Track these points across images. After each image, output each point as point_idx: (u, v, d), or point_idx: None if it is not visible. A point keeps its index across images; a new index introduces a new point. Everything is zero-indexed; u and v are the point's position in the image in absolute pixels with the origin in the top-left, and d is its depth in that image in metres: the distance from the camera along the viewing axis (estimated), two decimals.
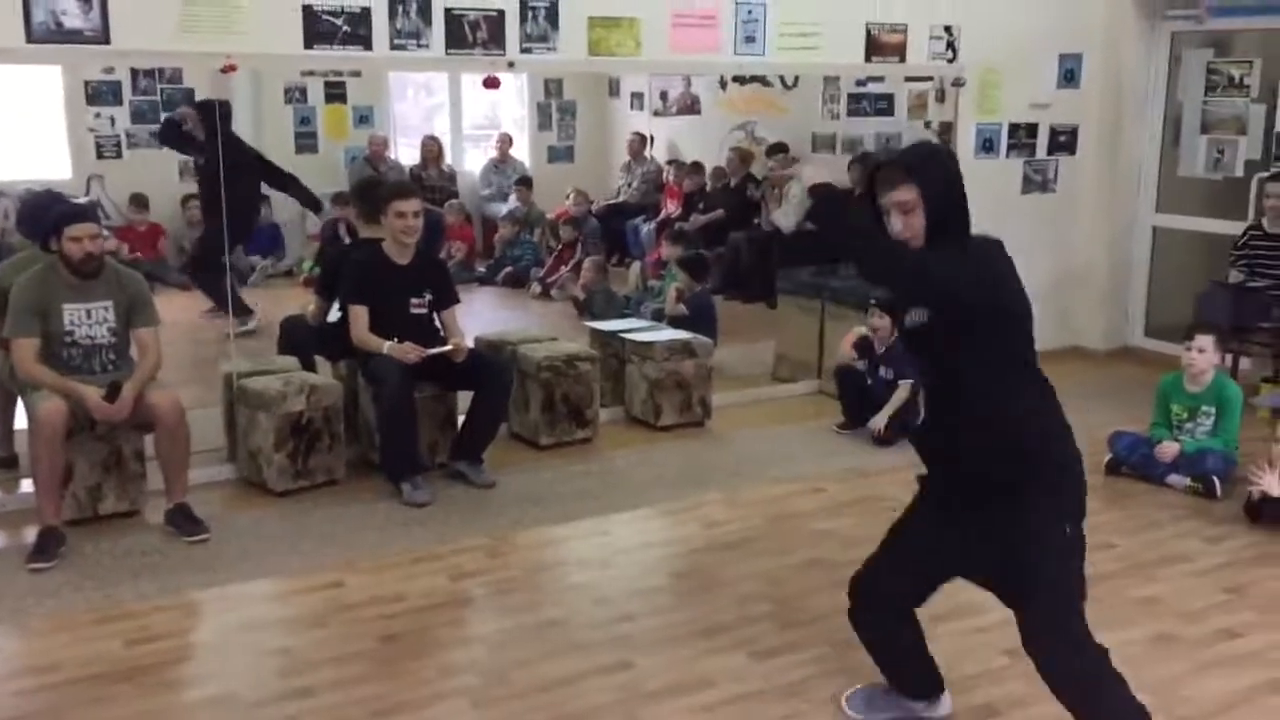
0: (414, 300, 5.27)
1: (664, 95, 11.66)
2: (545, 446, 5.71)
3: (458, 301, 5.46)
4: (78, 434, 4.56)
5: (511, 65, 5.64)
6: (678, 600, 4.13)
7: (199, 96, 8.92)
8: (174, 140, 8.05)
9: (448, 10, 5.41)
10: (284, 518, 4.82)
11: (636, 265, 9.20)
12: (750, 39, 6.23)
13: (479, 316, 8.09)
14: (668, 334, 6.31)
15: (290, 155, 10.02)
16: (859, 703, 3.35)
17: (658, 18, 5.94)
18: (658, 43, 5.98)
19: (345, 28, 5.22)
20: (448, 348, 5.18)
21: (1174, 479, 5.19)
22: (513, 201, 11.00)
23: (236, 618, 3.96)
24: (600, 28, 5.81)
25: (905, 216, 2.81)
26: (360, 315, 5.17)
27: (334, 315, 5.48)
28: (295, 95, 10.88)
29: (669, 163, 11.19)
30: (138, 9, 4.82)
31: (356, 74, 10.80)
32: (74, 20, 4.73)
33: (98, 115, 10.23)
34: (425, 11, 5.36)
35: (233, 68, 5.06)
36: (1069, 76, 7.48)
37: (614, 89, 12.37)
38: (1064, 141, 7.57)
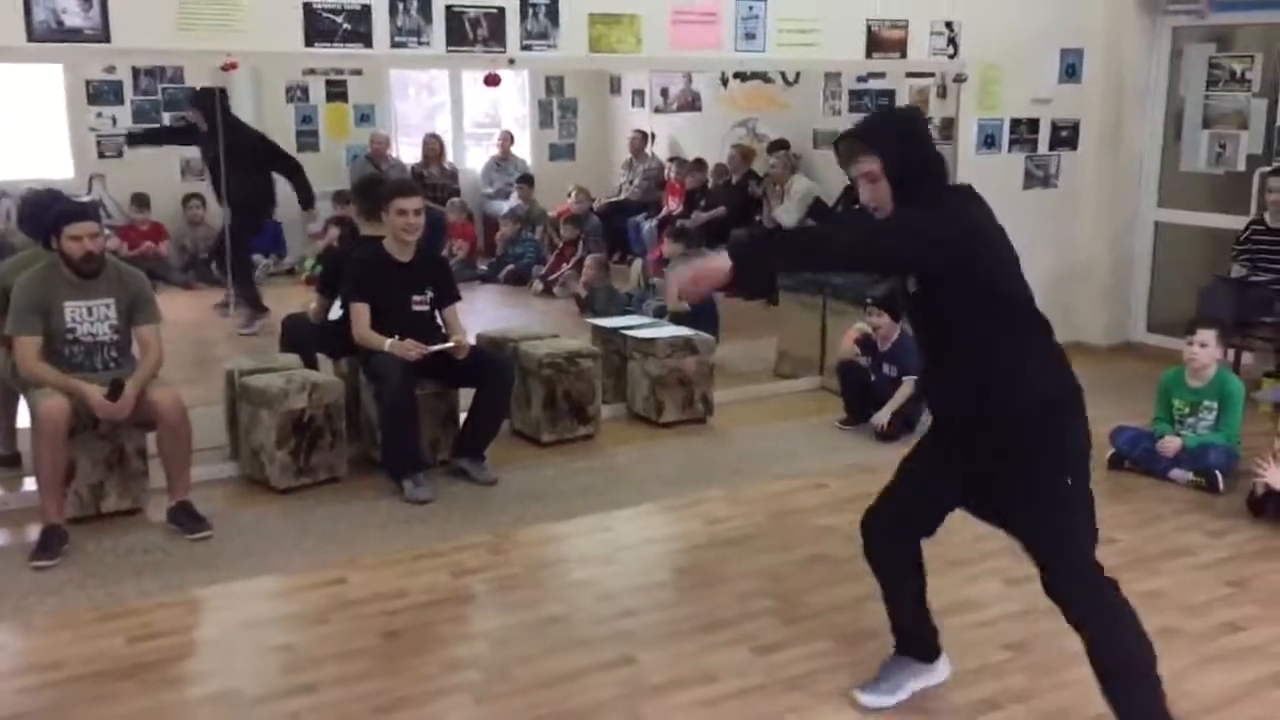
0: (415, 297, 5.28)
1: (665, 92, 11.65)
2: (547, 443, 5.71)
3: (459, 299, 5.46)
4: (80, 432, 4.56)
5: (512, 62, 5.64)
6: (680, 596, 4.13)
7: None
8: (163, 140, 8.10)
9: (448, 7, 5.42)
10: (286, 515, 4.83)
11: (638, 263, 9.19)
12: (751, 35, 6.23)
13: (481, 314, 8.10)
14: (669, 331, 6.31)
15: (292, 154, 10.02)
16: (868, 689, 3.38)
17: (658, 14, 5.94)
18: (658, 39, 5.98)
19: (346, 25, 5.22)
20: (449, 345, 5.18)
21: (1176, 473, 5.18)
22: (514, 199, 11.00)
23: (239, 615, 3.97)
24: (601, 24, 5.81)
25: (871, 186, 2.93)
26: (362, 313, 5.17)
27: (335, 313, 5.48)
28: (297, 94, 10.88)
29: (670, 160, 11.18)
30: (138, 7, 4.82)
31: (358, 72, 10.79)
32: (74, 19, 4.73)
33: (99, 115, 10.23)
34: (426, 9, 5.37)
35: (233, 66, 5.06)
36: (1070, 72, 7.47)
37: (615, 86, 12.36)
38: (1065, 137, 7.56)
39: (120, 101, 10.27)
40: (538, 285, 9.93)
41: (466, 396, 5.40)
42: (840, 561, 4.35)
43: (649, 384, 6.05)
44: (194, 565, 4.32)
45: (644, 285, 8.43)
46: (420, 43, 5.39)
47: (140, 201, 10.06)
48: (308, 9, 5.13)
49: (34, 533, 4.44)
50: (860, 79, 8.70)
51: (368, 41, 5.29)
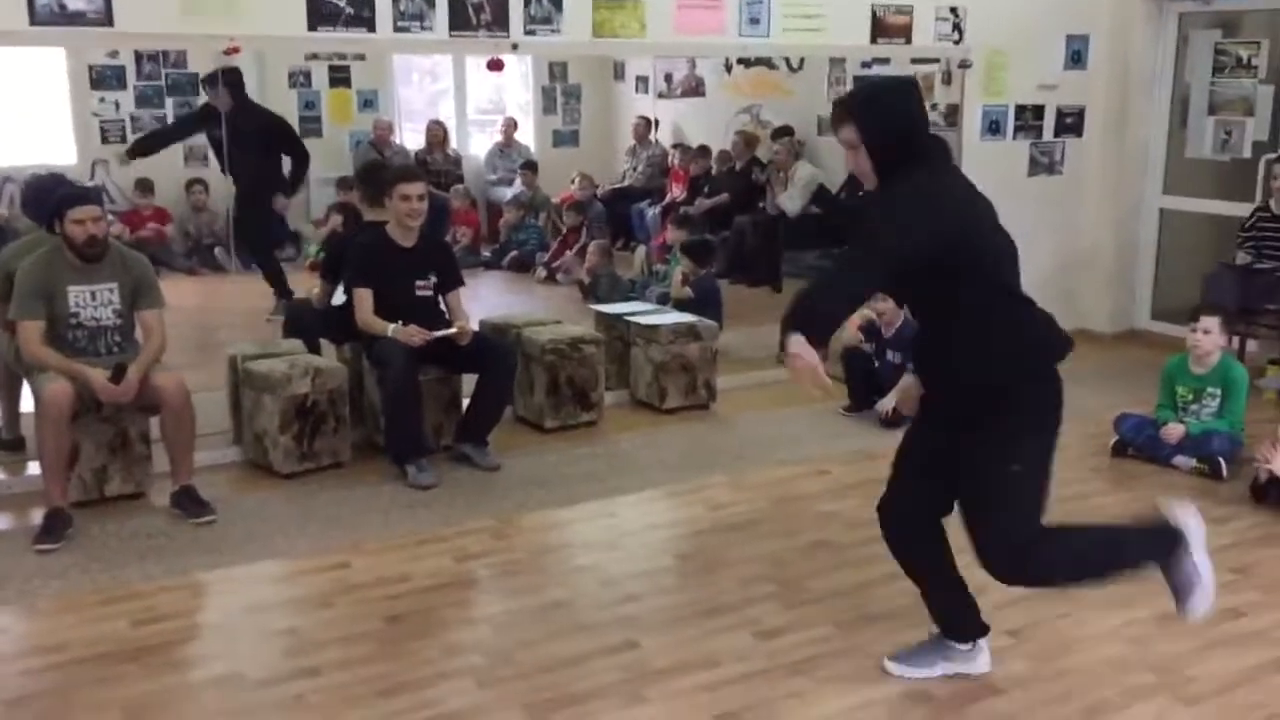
0: (419, 283, 5.27)
1: (668, 78, 11.62)
2: (550, 429, 5.71)
3: (462, 284, 5.46)
4: (83, 416, 4.57)
5: (515, 47, 5.63)
6: (682, 581, 4.14)
7: (203, 80, 8.94)
8: (174, 137, 8.08)
9: None
10: (290, 500, 4.83)
11: (641, 249, 9.19)
12: (755, 20, 6.21)
13: (484, 300, 8.09)
14: (673, 317, 6.31)
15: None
16: (902, 658, 3.42)
17: None
18: (662, 24, 5.96)
19: (348, 9, 5.21)
20: (452, 330, 5.18)
21: (1180, 460, 5.18)
22: (518, 186, 10.98)
23: (242, 599, 3.98)
24: (604, 9, 5.79)
25: (852, 153, 2.99)
26: (365, 298, 5.17)
27: (339, 298, 5.48)
28: (300, 79, 10.85)
29: (674, 146, 11.15)
30: None
31: (361, 57, 10.77)
32: (77, 2, 4.72)
33: (102, 100, 10.22)
34: None
35: (236, 50, 5.06)
36: (1076, 58, 7.44)
37: (619, 72, 12.33)
38: (1071, 123, 7.54)
39: (123, 87, 10.26)
40: (541, 272, 9.92)
41: (469, 382, 5.40)
42: (842, 547, 4.36)
43: (652, 370, 6.05)
44: (197, 549, 4.33)
45: (647, 272, 8.42)
46: (423, 27, 5.38)
47: (143, 187, 10.05)
48: None
49: (38, 516, 4.46)
50: (865, 65, 8.66)
51: (370, 26, 5.27)
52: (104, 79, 10.15)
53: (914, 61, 7.68)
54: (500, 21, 5.53)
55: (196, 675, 3.48)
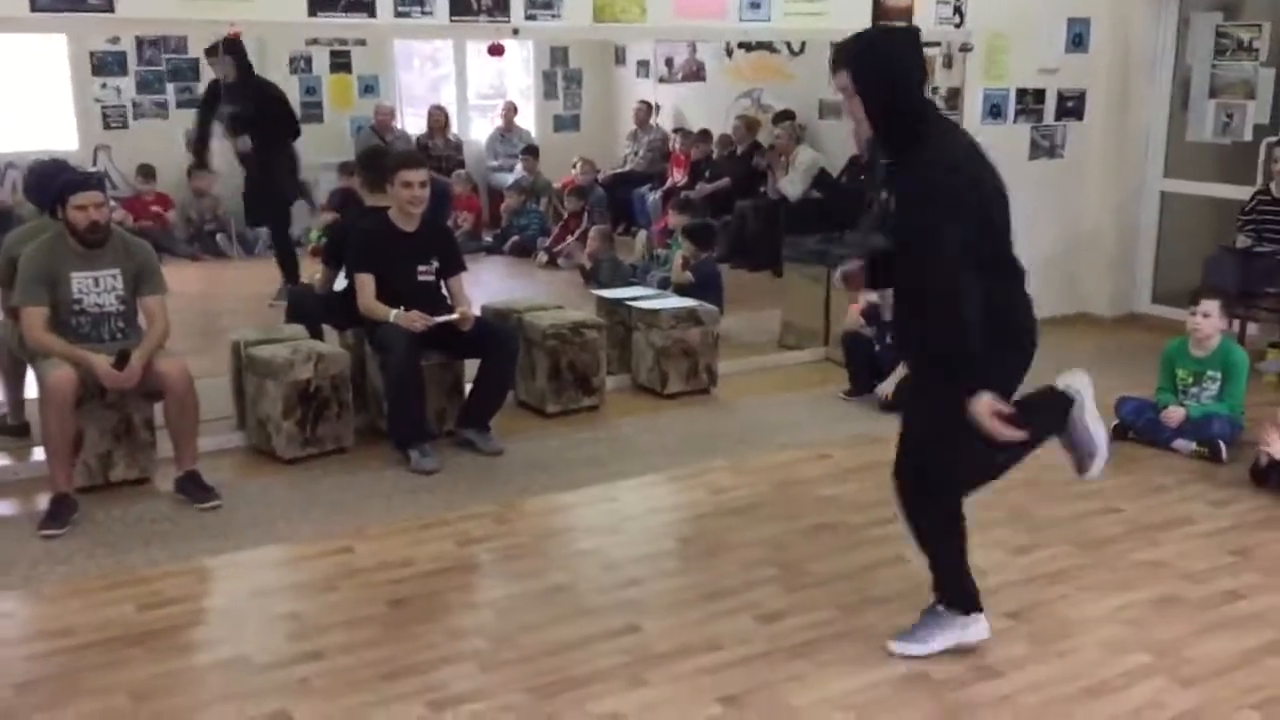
0: (421, 268, 5.28)
1: (669, 62, 11.61)
2: (552, 414, 5.72)
3: (464, 269, 5.47)
4: (87, 402, 4.58)
5: (516, 32, 5.62)
6: (684, 565, 4.16)
7: (204, 67, 8.94)
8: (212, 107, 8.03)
9: None
10: (293, 485, 4.85)
11: (643, 234, 9.20)
12: (756, 4, 6.20)
13: (486, 286, 8.11)
14: (674, 302, 6.31)
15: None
16: (903, 639, 3.44)
17: None
18: (663, 8, 5.95)
19: None
20: (454, 316, 5.19)
21: (1180, 443, 5.19)
22: (519, 171, 10.98)
23: (247, 583, 4.00)
24: None
25: (848, 101, 3.04)
26: (367, 283, 5.18)
27: (341, 284, 5.49)
28: (300, 65, 10.86)
29: (675, 131, 11.15)
30: None
31: (362, 43, 10.77)
32: None
33: (104, 86, 10.23)
34: None
35: (237, 35, 5.05)
36: (1077, 41, 7.43)
37: (620, 57, 12.31)
38: (1072, 107, 7.53)
39: (124, 73, 10.26)
40: (542, 257, 9.92)
41: (472, 367, 5.41)
42: (844, 531, 4.38)
43: (654, 355, 6.07)
44: (202, 534, 4.36)
45: (648, 256, 8.42)
46: (424, 12, 5.37)
47: (146, 173, 10.06)
48: None
49: (43, 502, 4.47)
50: None
51: (371, 11, 5.27)
52: (105, 65, 10.16)
53: None
54: (501, 6, 5.52)
55: (201, 659, 3.51)
